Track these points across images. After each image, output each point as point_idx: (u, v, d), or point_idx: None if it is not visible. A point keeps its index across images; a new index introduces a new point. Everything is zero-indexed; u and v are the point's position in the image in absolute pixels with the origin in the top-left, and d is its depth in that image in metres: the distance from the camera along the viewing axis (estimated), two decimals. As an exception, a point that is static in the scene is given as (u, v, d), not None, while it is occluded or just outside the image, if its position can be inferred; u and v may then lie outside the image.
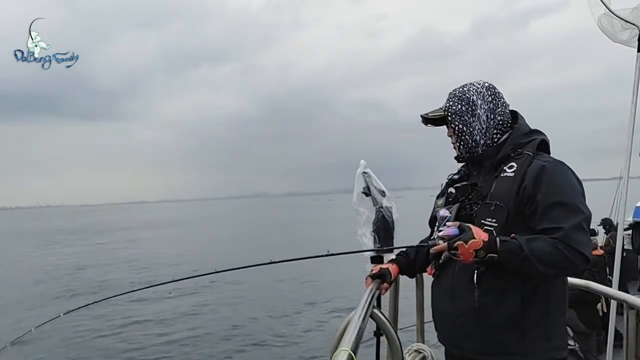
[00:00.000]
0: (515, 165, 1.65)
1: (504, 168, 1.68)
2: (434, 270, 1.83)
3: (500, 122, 1.76)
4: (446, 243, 1.53)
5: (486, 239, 1.50)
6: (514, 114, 1.81)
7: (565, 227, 1.50)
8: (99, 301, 2.56)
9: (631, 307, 2.06)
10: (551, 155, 1.74)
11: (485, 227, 1.60)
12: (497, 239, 1.52)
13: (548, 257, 1.49)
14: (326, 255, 1.90)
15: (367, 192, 2.39)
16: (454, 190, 1.85)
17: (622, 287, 5.43)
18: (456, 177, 1.89)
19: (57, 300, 13.89)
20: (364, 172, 2.42)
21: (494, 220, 1.60)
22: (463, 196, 1.79)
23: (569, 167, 1.65)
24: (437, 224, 1.78)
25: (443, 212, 1.75)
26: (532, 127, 1.80)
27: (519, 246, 1.49)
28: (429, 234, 2.01)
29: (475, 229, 1.52)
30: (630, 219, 7.31)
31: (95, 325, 10.46)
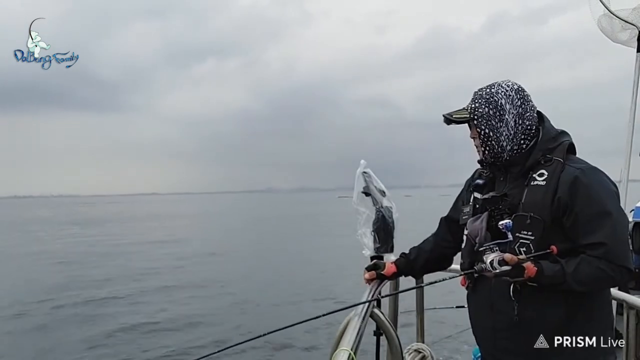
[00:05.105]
0: (546, 173, 1.59)
1: (534, 176, 1.61)
2: (467, 282, 1.77)
3: (528, 127, 1.68)
4: (493, 274, 1.50)
5: (532, 276, 1.48)
6: (540, 115, 1.72)
7: (608, 243, 1.47)
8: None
9: (631, 307, 2.06)
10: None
11: (521, 241, 1.56)
12: (543, 273, 1.48)
13: (591, 280, 1.49)
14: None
15: (367, 192, 2.39)
16: (479, 196, 1.76)
17: (622, 287, 5.42)
18: (480, 182, 1.79)
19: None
20: (364, 172, 2.41)
21: (530, 234, 1.55)
22: (492, 207, 1.69)
23: (603, 172, 1.60)
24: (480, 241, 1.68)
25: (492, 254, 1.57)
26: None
27: (562, 275, 1.48)
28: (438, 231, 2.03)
29: (528, 269, 1.47)
30: (630, 219, 7.31)
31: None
